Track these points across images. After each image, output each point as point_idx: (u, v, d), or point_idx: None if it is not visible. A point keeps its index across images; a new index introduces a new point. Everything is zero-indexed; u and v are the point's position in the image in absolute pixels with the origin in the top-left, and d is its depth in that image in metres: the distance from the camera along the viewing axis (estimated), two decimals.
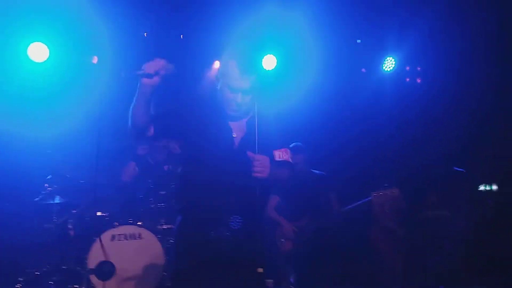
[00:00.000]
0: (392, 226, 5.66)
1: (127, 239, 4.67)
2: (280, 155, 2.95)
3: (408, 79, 6.74)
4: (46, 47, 5.39)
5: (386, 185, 4.66)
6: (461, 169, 5.30)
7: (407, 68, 6.69)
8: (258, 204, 2.87)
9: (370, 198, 4.73)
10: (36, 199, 4.84)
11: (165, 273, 4.63)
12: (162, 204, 5.02)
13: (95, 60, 5.69)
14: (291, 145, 5.07)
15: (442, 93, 6.32)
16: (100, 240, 4.56)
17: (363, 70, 6.65)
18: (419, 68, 6.73)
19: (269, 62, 6.21)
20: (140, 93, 2.76)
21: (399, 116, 6.51)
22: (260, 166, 2.66)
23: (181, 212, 2.95)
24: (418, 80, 6.71)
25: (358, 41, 6.40)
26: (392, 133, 6.54)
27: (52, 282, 4.47)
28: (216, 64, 6.07)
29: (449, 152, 5.64)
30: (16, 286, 4.45)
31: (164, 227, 4.95)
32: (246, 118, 2.93)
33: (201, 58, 6.06)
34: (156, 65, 2.71)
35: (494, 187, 5.97)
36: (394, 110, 6.55)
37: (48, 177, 4.85)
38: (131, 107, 2.81)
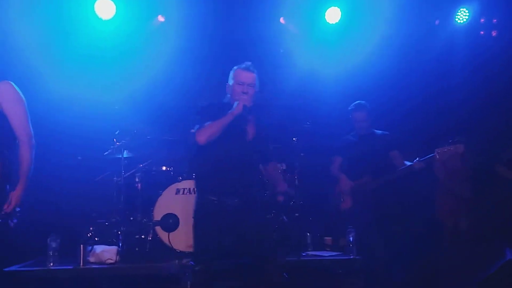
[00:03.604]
0: (457, 187, 5.48)
1: (190, 193, 4.81)
2: None
3: (482, 32, 6.31)
4: (113, 3, 5.48)
5: (450, 140, 4.44)
6: None
7: (482, 20, 6.25)
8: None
9: (433, 154, 4.53)
10: (106, 153, 5.08)
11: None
12: None
13: (161, 19, 5.74)
14: (353, 104, 5.04)
15: None
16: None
17: (437, 22, 6.28)
18: (495, 21, 6.26)
19: (333, 15, 6.02)
20: (233, 113, 3.29)
21: (471, 71, 6.15)
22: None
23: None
24: (494, 33, 6.26)
25: None
26: (463, 89, 6.22)
27: (120, 232, 4.73)
28: None
29: None
30: (88, 234, 4.77)
31: None
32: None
33: None
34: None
35: None
36: (466, 65, 6.20)
37: (116, 132, 5.05)
38: (209, 127, 3.29)
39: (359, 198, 4.83)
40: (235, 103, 3.35)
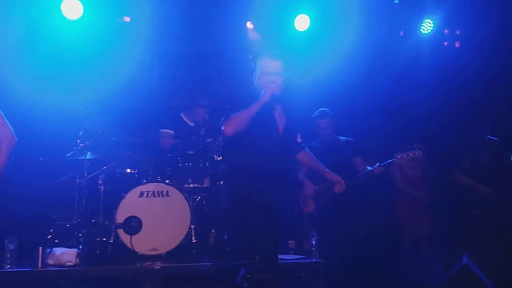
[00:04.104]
0: (415, 192, 5.59)
1: (154, 196, 4.77)
2: None
3: (446, 43, 6.48)
4: (80, 3, 5.41)
5: (409, 146, 4.54)
6: (494, 138, 5.13)
7: (446, 31, 6.42)
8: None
9: (393, 160, 4.61)
10: (68, 154, 5.00)
11: (190, 230, 4.76)
12: (190, 164, 5.09)
13: (127, 19, 5.71)
14: (317, 111, 5.12)
15: (480, 58, 6.06)
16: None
17: (401, 33, 6.43)
18: (458, 32, 6.45)
19: (302, 22, 6.08)
20: (260, 102, 3.26)
21: (435, 81, 6.31)
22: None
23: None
24: (457, 44, 6.44)
25: (396, 1, 6.16)
26: (426, 98, 6.37)
27: (81, 235, 4.65)
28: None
29: (483, 119, 5.45)
30: (48, 237, 4.66)
31: (191, 186, 5.04)
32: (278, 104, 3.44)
33: None
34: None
35: None
36: (430, 74, 6.35)
37: (80, 133, 4.97)
38: (236, 117, 3.24)
39: (322, 202, 4.92)
40: (262, 92, 3.29)
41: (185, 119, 5.61)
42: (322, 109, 5.17)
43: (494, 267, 4.13)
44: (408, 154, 4.51)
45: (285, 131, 3.46)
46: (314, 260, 4.52)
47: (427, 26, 6.36)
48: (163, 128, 5.44)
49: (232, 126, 3.20)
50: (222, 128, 3.26)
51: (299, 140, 3.63)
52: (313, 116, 5.18)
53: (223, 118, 3.33)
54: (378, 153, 5.44)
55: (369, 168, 4.80)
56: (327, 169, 3.78)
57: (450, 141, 5.63)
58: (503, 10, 5.75)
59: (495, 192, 4.92)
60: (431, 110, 6.31)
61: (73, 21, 5.47)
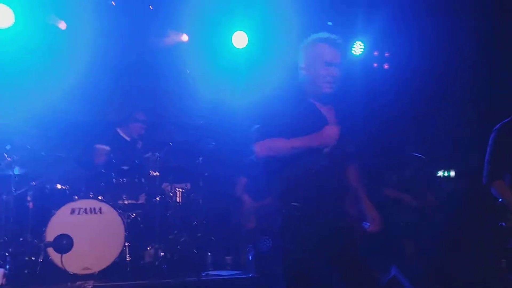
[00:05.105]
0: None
1: (86, 213, 4.63)
2: None
3: (376, 65, 6.79)
4: (10, 9, 5.18)
5: None
6: (420, 155, 5.42)
7: (375, 53, 6.73)
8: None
9: None
10: None
11: (124, 248, 4.65)
12: (124, 179, 5.00)
13: (62, 25, 5.52)
14: (255, 127, 5.16)
15: (408, 80, 6.40)
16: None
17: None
18: (387, 54, 6.78)
19: (240, 39, 6.14)
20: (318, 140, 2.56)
21: (365, 100, 6.57)
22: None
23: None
24: (386, 66, 6.76)
25: (329, 23, 6.38)
26: (356, 116, 6.60)
27: (8, 254, 4.43)
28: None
29: (408, 138, 5.75)
30: None
31: (126, 202, 4.94)
32: (331, 104, 2.74)
33: None
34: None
35: (452, 174, 6.15)
36: (360, 94, 6.61)
37: (7, 147, 4.75)
38: (278, 143, 2.60)
39: (263, 218, 4.95)
40: (321, 131, 2.52)
41: (121, 133, 5.50)
42: (258, 126, 5.20)
43: (422, 278, 4.33)
44: None
45: (339, 139, 2.66)
46: (250, 275, 4.55)
47: (358, 48, 6.63)
48: (98, 143, 5.29)
49: (267, 152, 2.63)
50: (254, 148, 2.68)
51: (351, 150, 2.88)
52: (252, 130, 5.20)
53: (254, 130, 2.76)
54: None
55: None
56: (368, 201, 2.94)
57: (378, 158, 5.88)
58: (431, 33, 6.10)
59: (420, 204, 5.19)
60: (361, 128, 6.55)
61: (3, 29, 5.23)
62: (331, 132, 2.54)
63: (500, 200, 3.36)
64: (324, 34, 2.68)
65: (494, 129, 3.47)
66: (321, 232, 2.60)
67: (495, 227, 3.45)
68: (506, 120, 3.46)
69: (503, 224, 3.38)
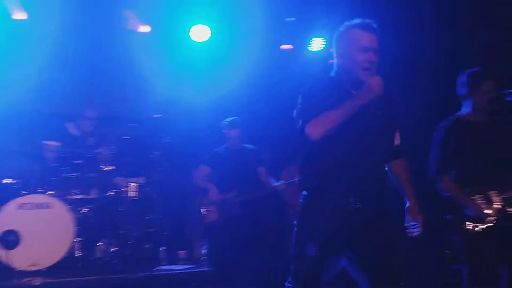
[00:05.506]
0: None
1: (35, 208, 4.51)
2: None
3: (331, 61, 6.76)
4: None
5: None
6: None
7: (331, 49, 6.69)
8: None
9: (296, 179, 4.65)
10: None
11: (74, 243, 4.55)
12: (75, 174, 4.89)
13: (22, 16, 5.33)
14: (227, 119, 5.10)
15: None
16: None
17: (291, 46, 6.60)
18: None
19: (201, 33, 6.03)
20: (363, 97, 2.46)
21: None
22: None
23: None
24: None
25: (287, 19, 6.34)
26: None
27: None
28: None
29: None
30: None
31: (76, 197, 4.84)
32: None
33: None
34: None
35: None
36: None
37: None
38: (329, 116, 2.45)
39: (226, 213, 4.91)
40: (365, 85, 2.44)
41: (71, 129, 5.34)
42: (232, 118, 5.12)
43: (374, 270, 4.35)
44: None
45: (383, 129, 2.59)
46: (204, 269, 4.52)
47: (320, 44, 6.61)
48: (47, 139, 5.13)
49: (322, 129, 2.43)
50: (307, 130, 2.47)
51: (397, 143, 2.73)
52: (221, 125, 5.14)
53: (297, 114, 2.59)
54: (282, 163, 5.56)
55: (274, 182, 4.91)
56: (414, 201, 2.75)
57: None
58: (392, 27, 6.11)
59: None
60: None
61: None
62: (375, 82, 2.44)
63: (446, 194, 3.44)
64: (358, 20, 2.60)
65: (439, 127, 3.53)
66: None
67: (441, 220, 3.52)
68: (452, 118, 3.52)
69: (448, 217, 3.45)
